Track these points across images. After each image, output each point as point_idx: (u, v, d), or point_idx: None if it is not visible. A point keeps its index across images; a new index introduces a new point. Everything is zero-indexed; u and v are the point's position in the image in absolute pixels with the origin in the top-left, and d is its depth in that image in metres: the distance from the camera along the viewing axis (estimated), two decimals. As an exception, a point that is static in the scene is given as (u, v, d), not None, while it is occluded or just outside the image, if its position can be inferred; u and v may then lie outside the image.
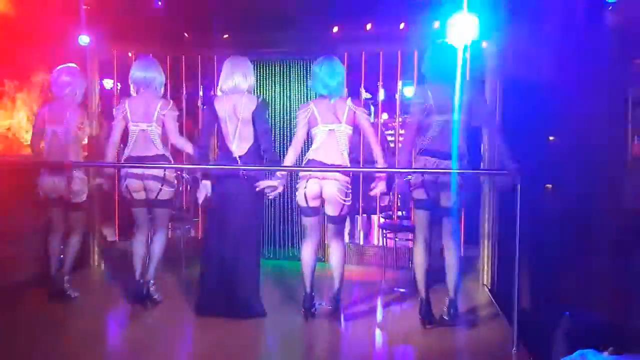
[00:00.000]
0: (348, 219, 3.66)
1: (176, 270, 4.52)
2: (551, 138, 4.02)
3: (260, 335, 3.40)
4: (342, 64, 3.58)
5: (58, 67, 3.86)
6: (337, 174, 3.36)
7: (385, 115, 6.71)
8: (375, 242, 5.18)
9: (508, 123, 4.18)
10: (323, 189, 3.38)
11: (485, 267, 4.40)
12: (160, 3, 4.45)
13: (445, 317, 3.40)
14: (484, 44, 4.41)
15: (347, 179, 3.43)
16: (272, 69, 5.21)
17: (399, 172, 3.69)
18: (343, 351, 3.25)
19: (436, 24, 4.46)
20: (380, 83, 5.02)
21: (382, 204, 5.16)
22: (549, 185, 4.09)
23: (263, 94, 5.09)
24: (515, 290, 3.01)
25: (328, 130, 3.40)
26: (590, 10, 3.95)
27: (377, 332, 3.51)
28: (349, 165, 3.45)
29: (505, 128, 4.18)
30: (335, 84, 3.42)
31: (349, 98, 3.47)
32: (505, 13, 4.16)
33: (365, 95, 5.24)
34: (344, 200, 3.39)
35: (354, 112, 3.40)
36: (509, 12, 4.15)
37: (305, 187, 3.40)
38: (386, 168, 3.63)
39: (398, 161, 3.68)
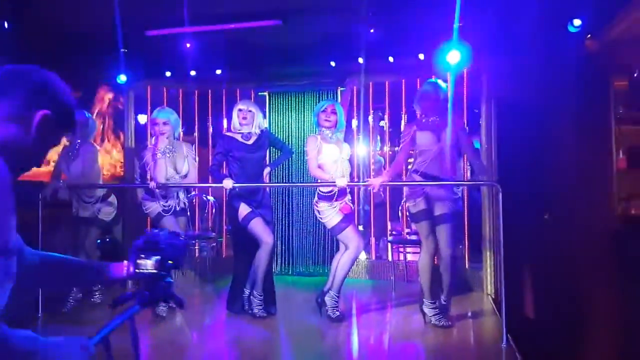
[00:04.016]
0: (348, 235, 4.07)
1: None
2: (546, 216, 4.31)
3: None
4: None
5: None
6: None
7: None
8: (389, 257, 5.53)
9: (502, 140, 4.55)
10: None
11: (489, 277, 4.66)
12: (188, 45, 5.01)
13: (437, 323, 3.70)
14: (479, 71, 4.82)
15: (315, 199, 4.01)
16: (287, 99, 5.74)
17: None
18: (345, 346, 3.60)
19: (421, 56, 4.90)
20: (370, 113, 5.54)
21: (375, 201, 5.55)
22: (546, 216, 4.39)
23: (279, 123, 5.63)
24: (502, 289, 3.34)
25: None
26: (572, 38, 4.33)
27: (379, 332, 3.85)
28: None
29: (499, 143, 4.59)
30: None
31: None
32: (495, 42, 4.58)
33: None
34: (320, 218, 3.99)
35: None
36: (499, 42, 4.57)
37: None
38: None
39: (387, 172, 4.15)
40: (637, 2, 3.73)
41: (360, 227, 5.38)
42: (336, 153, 3.97)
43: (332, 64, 5.30)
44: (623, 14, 3.86)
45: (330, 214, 3.93)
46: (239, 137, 4.08)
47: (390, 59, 5.10)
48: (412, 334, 3.68)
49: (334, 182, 3.85)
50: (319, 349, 3.51)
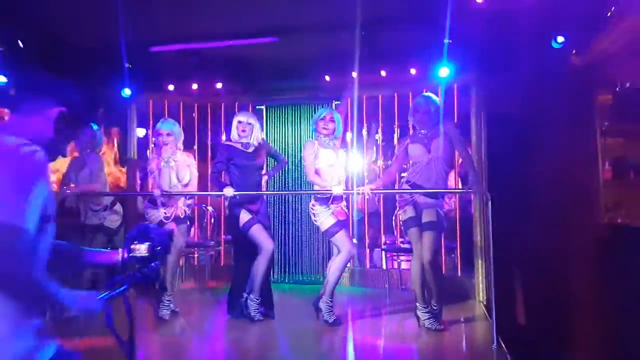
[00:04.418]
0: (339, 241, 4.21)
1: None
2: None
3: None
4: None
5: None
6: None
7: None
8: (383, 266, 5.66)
9: (492, 151, 4.72)
10: None
11: (480, 285, 4.80)
12: (193, 61, 5.21)
13: (430, 326, 3.83)
14: (469, 85, 5.02)
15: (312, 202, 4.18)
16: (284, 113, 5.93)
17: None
18: (341, 349, 3.72)
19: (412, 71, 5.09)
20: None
21: (370, 211, 5.72)
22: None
23: (276, 135, 5.80)
24: (492, 292, 3.47)
25: None
26: (558, 54, 4.53)
27: (374, 335, 3.98)
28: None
29: (489, 154, 4.76)
30: None
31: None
32: (484, 58, 4.77)
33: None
34: (315, 221, 4.14)
35: None
36: (488, 57, 4.76)
37: None
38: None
39: (379, 180, 4.33)
40: (616, 21, 3.93)
41: (355, 240, 5.51)
42: (332, 158, 4.12)
43: (327, 78, 5.48)
44: (604, 31, 4.06)
45: (324, 217, 4.06)
46: (239, 145, 4.23)
47: (383, 73, 5.28)
48: (405, 337, 3.81)
49: (330, 190, 4.00)
50: (315, 351, 3.63)
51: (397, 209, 4.16)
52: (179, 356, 3.49)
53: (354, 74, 5.14)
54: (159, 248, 1.63)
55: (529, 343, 3.58)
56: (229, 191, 4.10)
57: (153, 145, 4.97)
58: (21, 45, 4.54)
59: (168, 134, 4.31)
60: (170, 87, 5.76)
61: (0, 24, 4.29)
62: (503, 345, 3.33)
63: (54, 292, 1.35)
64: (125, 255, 1.63)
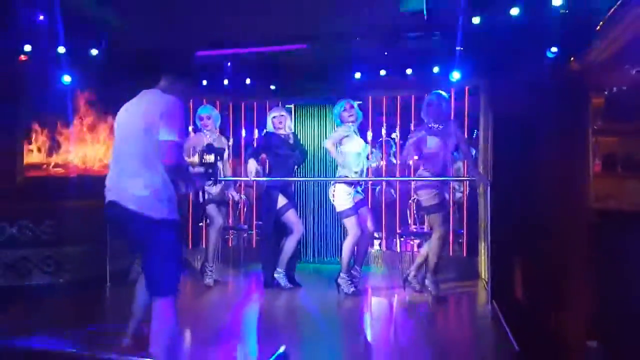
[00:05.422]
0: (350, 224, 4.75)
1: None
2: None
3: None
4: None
5: None
6: None
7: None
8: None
9: (497, 146, 5.30)
10: None
11: (483, 265, 5.37)
12: (229, 64, 5.88)
13: (434, 293, 4.45)
14: (478, 88, 5.61)
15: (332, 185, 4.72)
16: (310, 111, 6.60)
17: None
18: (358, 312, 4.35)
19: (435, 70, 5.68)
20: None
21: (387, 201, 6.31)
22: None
23: (303, 131, 6.48)
24: (488, 262, 4.08)
25: None
26: (557, 61, 5.08)
27: (387, 302, 4.60)
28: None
29: (495, 148, 5.35)
30: None
31: None
32: (492, 64, 5.35)
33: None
34: (333, 201, 4.69)
35: None
36: (495, 64, 5.34)
37: None
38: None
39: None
40: (605, 34, 4.48)
41: (376, 235, 6.05)
42: (358, 146, 4.70)
43: (357, 75, 6.06)
44: (596, 41, 4.62)
45: (343, 199, 4.61)
46: (281, 136, 4.87)
47: (403, 75, 5.86)
48: (415, 302, 4.44)
49: (350, 179, 4.63)
50: (336, 313, 4.29)
51: (416, 196, 4.69)
52: (224, 316, 4.14)
53: (374, 77, 5.77)
54: (218, 157, 2.94)
55: (520, 307, 4.17)
56: (252, 164, 4.73)
57: (192, 127, 5.67)
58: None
59: (208, 117, 5.01)
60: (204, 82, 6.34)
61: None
62: (496, 307, 3.93)
63: (190, 173, 2.79)
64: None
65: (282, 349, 1.33)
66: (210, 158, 2.87)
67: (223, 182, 5.05)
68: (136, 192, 2.54)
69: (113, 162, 2.76)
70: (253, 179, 4.89)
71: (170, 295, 2.57)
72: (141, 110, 2.66)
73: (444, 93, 4.71)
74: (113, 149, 2.79)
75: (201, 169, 2.89)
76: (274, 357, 1.30)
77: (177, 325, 2.59)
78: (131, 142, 2.64)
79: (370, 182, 4.78)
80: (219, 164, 3.62)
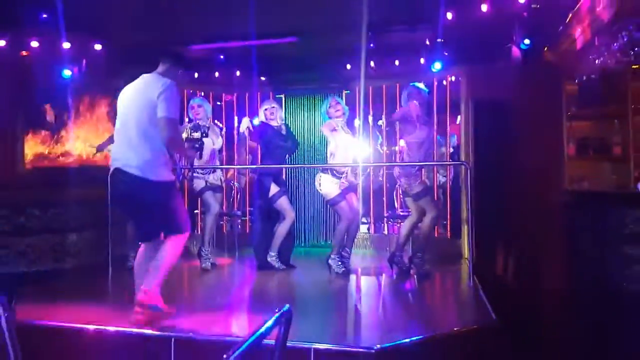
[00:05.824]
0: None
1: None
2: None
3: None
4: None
5: None
6: None
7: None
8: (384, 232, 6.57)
9: (477, 132, 5.62)
10: None
11: (466, 245, 5.69)
12: (222, 57, 6.12)
13: (403, 264, 4.81)
14: (458, 77, 5.91)
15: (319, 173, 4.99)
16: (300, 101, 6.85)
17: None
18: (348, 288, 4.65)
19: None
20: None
21: (374, 187, 6.58)
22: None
23: (293, 120, 6.73)
24: (472, 241, 4.39)
25: None
26: (532, 51, 5.37)
27: (377, 279, 4.91)
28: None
29: (475, 133, 5.66)
30: None
31: None
32: (471, 55, 5.65)
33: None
34: (320, 190, 4.97)
35: None
36: (474, 54, 5.64)
37: None
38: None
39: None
40: (574, 26, 4.78)
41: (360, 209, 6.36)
42: (349, 141, 4.96)
43: (347, 67, 6.30)
44: (564, 34, 4.92)
45: (329, 188, 4.87)
46: (273, 126, 5.13)
47: (387, 66, 6.14)
48: (401, 278, 4.75)
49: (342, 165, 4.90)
50: (327, 290, 4.59)
51: (404, 184, 4.92)
52: (222, 295, 4.41)
53: (362, 68, 6.02)
54: (204, 134, 3.85)
55: (498, 281, 4.51)
56: (245, 121, 5.14)
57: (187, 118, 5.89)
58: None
59: (199, 106, 5.26)
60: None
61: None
62: (477, 282, 4.25)
63: (184, 146, 3.39)
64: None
65: (286, 307, 1.58)
66: (197, 135, 3.70)
67: (222, 171, 5.33)
68: (138, 160, 3.02)
69: (117, 136, 3.19)
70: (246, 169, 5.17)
71: (188, 231, 3.16)
72: (141, 90, 3.08)
73: (420, 85, 4.97)
74: (116, 124, 3.19)
75: (190, 144, 3.55)
76: (279, 313, 1.55)
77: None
78: (132, 118, 3.06)
79: (357, 169, 5.03)
80: (204, 139, 4.25)
